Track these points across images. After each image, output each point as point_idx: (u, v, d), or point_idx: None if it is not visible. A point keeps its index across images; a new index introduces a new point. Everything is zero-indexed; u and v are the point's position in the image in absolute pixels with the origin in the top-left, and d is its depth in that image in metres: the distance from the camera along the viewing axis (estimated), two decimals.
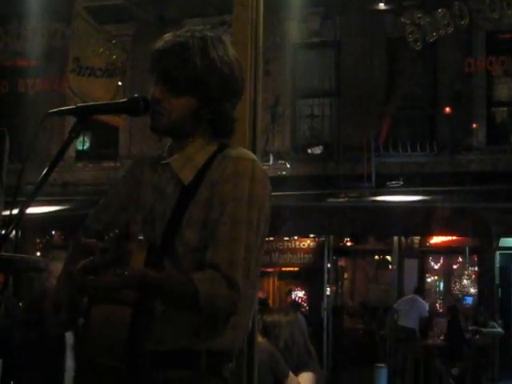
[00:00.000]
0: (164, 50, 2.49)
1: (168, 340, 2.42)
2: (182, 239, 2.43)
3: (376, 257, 18.71)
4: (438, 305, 17.66)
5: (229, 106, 2.54)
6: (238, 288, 2.35)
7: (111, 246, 2.25)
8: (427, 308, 15.70)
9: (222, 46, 2.52)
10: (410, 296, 15.76)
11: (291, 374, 4.51)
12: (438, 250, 17.89)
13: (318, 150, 18.39)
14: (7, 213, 2.28)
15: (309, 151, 18.41)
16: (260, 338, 4.15)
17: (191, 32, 2.52)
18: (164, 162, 2.57)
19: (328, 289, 17.03)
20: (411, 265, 17.47)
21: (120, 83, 16.93)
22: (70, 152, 18.32)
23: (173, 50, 2.47)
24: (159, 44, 2.51)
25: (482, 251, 16.86)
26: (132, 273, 2.25)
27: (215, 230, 2.39)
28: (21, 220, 2.21)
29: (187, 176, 2.50)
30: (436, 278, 18.08)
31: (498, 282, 17.10)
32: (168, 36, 2.53)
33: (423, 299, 15.72)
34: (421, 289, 16.30)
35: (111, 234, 2.28)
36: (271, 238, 16.47)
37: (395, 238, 17.45)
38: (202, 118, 2.52)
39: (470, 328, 15.25)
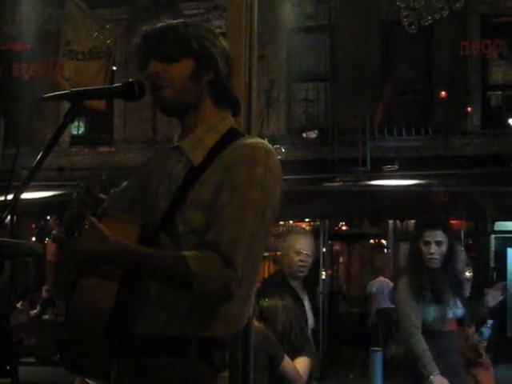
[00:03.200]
0: (146, 33, 2.54)
1: (159, 325, 2.38)
2: (185, 218, 2.39)
3: (371, 241, 18.75)
4: None
5: (222, 63, 2.55)
6: (235, 268, 2.30)
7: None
8: None
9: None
10: (381, 278, 15.69)
11: (286, 358, 4.51)
12: None
13: (312, 134, 18.38)
14: (2, 198, 2.26)
15: (304, 135, 18.40)
16: (256, 323, 4.15)
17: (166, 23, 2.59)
18: (174, 145, 2.57)
19: (323, 273, 17.03)
20: (406, 248, 17.44)
21: (115, 68, 16.88)
22: (65, 137, 18.29)
23: (154, 30, 2.53)
24: (140, 33, 2.56)
25: (477, 235, 16.92)
26: (84, 247, 2.28)
27: (222, 213, 2.35)
28: (16, 205, 2.19)
29: (197, 157, 2.49)
30: None
31: (492, 265, 17.17)
32: (145, 27, 2.58)
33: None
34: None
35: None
36: None
37: (390, 222, 17.48)
38: (203, 77, 2.52)
39: None
